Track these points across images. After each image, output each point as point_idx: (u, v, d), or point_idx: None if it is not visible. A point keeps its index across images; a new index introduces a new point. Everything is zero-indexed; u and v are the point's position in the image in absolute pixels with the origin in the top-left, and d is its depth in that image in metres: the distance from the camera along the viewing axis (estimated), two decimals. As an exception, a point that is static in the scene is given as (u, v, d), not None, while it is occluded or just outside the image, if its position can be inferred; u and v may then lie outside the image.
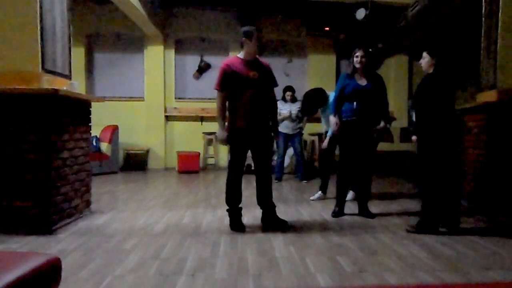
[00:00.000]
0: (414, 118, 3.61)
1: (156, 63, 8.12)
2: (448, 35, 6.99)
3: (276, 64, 7.82)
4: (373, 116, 3.85)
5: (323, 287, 2.24)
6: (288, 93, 6.41)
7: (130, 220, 3.78)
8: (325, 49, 8.50)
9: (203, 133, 8.12)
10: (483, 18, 4.20)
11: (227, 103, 3.47)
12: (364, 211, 3.95)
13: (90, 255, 2.72)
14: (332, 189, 4.83)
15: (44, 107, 3.23)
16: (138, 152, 8.11)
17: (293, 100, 6.42)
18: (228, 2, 7.92)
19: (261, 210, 3.61)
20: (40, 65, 3.30)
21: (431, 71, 3.45)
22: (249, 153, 3.55)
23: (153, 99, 8.16)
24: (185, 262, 2.60)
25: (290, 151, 6.78)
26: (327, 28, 8.01)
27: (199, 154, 7.76)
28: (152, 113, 8.16)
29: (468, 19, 5.41)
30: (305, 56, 8.71)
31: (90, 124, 4.10)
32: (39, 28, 3.29)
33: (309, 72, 8.60)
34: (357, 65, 3.82)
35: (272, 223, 3.53)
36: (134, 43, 8.28)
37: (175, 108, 8.32)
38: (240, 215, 3.51)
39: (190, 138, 8.25)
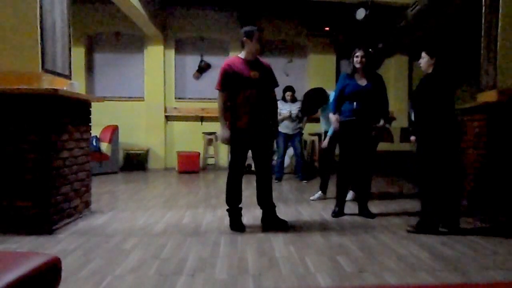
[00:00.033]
0: (413, 118, 3.61)
1: (156, 63, 8.13)
2: (448, 35, 6.99)
3: (276, 64, 7.81)
4: (373, 116, 3.85)
5: (323, 287, 2.24)
6: (288, 93, 6.41)
7: (130, 220, 3.78)
8: (325, 49, 8.50)
9: (203, 133, 8.13)
10: (483, 18, 4.20)
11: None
12: (364, 211, 3.96)
13: (90, 255, 2.72)
14: (332, 189, 4.83)
15: (44, 107, 3.23)
16: (138, 152, 8.11)
17: (293, 100, 6.42)
18: (228, 2, 7.92)
19: (261, 210, 3.61)
20: (40, 65, 3.30)
21: (430, 71, 3.45)
22: (249, 153, 3.55)
23: (153, 99, 8.16)
24: (185, 262, 2.60)
25: (290, 151, 6.79)
26: (327, 28, 8.02)
27: (199, 154, 7.76)
28: (152, 113, 8.16)
29: (468, 19, 5.41)
30: (305, 56, 8.72)
31: (90, 124, 4.10)
32: (39, 28, 3.29)
33: (309, 72, 8.60)
34: (357, 65, 3.82)
35: (272, 223, 3.53)
36: (134, 43, 8.28)
37: (175, 108, 8.32)
38: (240, 215, 3.51)
39: (190, 138, 8.25)
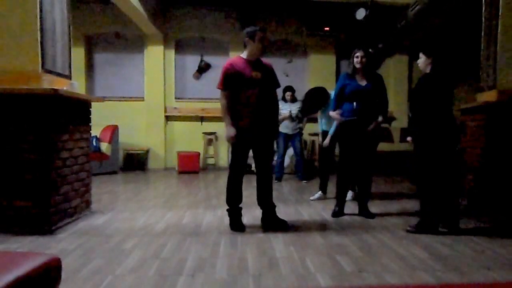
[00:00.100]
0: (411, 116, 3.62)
1: (156, 63, 8.13)
2: (448, 35, 6.99)
3: (277, 64, 7.77)
4: (373, 116, 3.84)
5: (323, 287, 2.24)
6: (288, 93, 6.41)
7: (130, 220, 3.78)
8: (325, 49, 8.50)
9: (203, 133, 8.13)
10: (483, 18, 4.20)
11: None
12: (364, 211, 3.95)
13: (90, 255, 2.72)
14: (332, 189, 4.83)
15: (44, 107, 3.23)
16: (138, 152, 8.11)
17: (293, 100, 6.42)
18: (228, 2, 7.92)
19: (261, 210, 3.61)
20: (40, 65, 3.30)
21: (428, 70, 3.45)
22: (249, 153, 3.55)
23: (153, 99, 8.16)
24: (185, 262, 2.60)
25: (290, 151, 6.78)
26: (327, 28, 8.01)
27: (199, 154, 7.76)
28: (152, 113, 8.16)
29: (468, 19, 5.41)
30: (306, 56, 8.72)
31: (90, 124, 4.10)
32: (39, 28, 3.29)
33: (309, 72, 8.59)
34: (357, 65, 3.82)
35: (272, 223, 3.53)
36: (134, 43, 8.28)
37: (175, 108, 8.32)
38: (240, 215, 3.51)
39: (190, 138, 8.25)
